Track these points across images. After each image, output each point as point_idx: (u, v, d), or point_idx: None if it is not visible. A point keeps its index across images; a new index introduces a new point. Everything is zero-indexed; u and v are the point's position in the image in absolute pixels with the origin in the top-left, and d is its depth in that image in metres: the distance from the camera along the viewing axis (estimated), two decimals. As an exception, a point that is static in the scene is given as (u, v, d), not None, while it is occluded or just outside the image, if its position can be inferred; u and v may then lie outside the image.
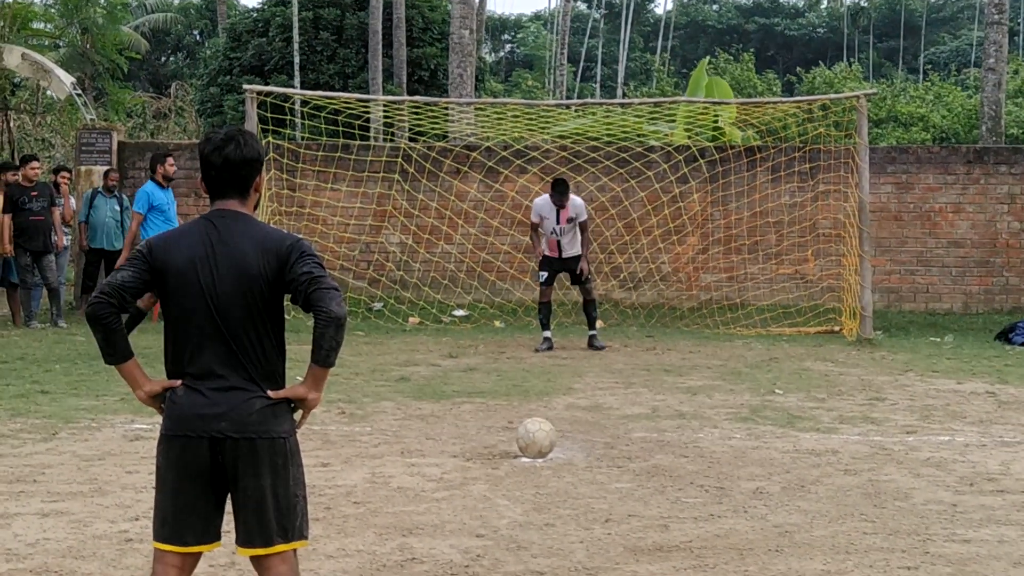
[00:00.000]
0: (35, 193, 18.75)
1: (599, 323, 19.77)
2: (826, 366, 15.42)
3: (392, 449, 9.96)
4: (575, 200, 17.18)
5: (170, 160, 18.34)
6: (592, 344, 17.30)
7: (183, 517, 5.00)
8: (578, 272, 17.15)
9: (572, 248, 17.15)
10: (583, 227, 17.17)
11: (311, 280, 4.91)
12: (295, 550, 5.09)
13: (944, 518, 7.92)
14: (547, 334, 17.29)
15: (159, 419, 5.12)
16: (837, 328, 19.26)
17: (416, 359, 15.66)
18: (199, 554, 5.09)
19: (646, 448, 10.13)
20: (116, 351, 5.09)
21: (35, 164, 19.20)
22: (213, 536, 5.07)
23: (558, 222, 16.98)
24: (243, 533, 5.02)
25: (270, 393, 5.02)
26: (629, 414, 11.75)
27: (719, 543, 7.27)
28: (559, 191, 16.98)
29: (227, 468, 4.97)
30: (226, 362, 4.98)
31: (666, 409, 12.05)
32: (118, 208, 20.00)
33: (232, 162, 5.06)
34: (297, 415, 5.15)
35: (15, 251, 18.61)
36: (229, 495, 5.06)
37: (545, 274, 17.22)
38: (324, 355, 4.94)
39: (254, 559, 5.07)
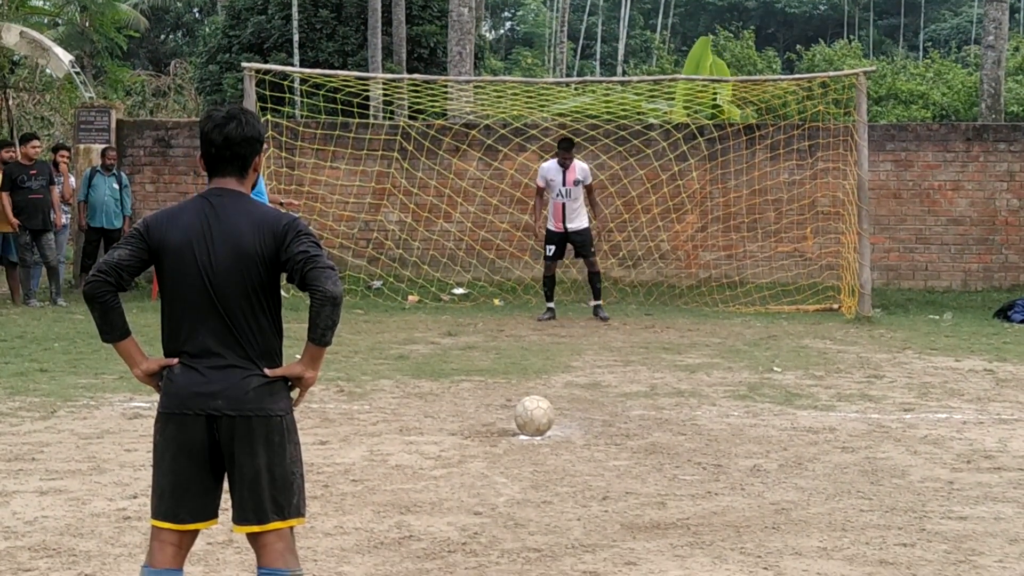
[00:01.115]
0: (34, 172, 18.75)
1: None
2: (824, 344, 15.43)
3: (390, 427, 9.97)
4: (581, 163, 17.55)
5: (33, 143, 18.96)
6: (596, 314, 17.78)
7: (180, 495, 5.01)
8: (592, 232, 17.71)
9: (577, 219, 17.35)
10: (589, 190, 17.44)
11: (307, 259, 4.92)
12: (291, 528, 5.09)
13: (941, 495, 7.94)
14: (551, 305, 17.72)
15: (157, 397, 5.14)
16: (836, 306, 19.26)
17: (415, 337, 15.67)
18: (196, 532, 5.11)
19: (644, 426, 10.14)
20: (114, 329, 5.10)
21: (35, 143, 19.19)
22: (210, 514, 5.09)
23: (564, 183, 17.22)
24: (238, 510, 5.04)
25: (267, 371, 5.03)
26: (627, 392, 11.76)
27: (716, 520, 7.29)
28: (564, 147, 17.44)
29: (223, 446, 4.99)
30: (223, 340, 4.99)
31: (664, 387, 12.06)
32: (117, 186, 20.00)
33: (233, 140, 5.07)
34: (294, 393, 5.15)
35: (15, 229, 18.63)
36: (226, 474, 5.07)
37: (553, 248, 17.53)
38: (320, 334, 4.96)
39: (250, 536, 5.08)
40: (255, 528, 5.03)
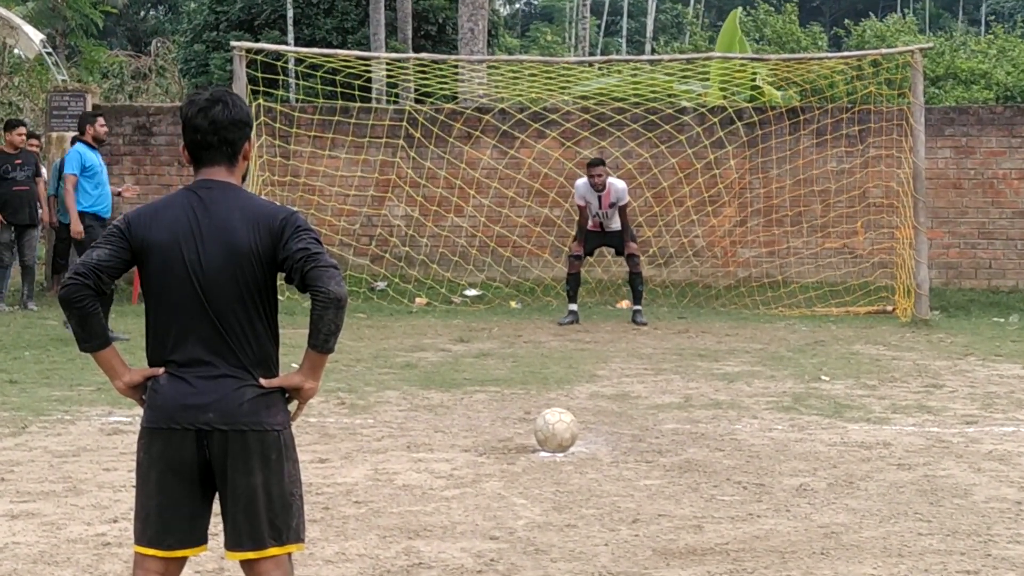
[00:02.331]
0: (19, 161, 18.86)
1: (623, 303, 19.85)
2: (877, 350, 15.41)
3: (397, 443, 9.98)
4: (616, 184, 17.99)
5: (100, 120, 18.43)
6: (635, 320, 18.01)
7: (167, 518, 5.00)
8: (628, 253, 17.99)
9: (614, 222, 17.95)
10: (623, 211, 17.75)
11: (307, 257, 4.91)
12: (290, 554, 5.08)
13: (1008, 517, 7.92)
14: (573, 307, 17.97)
15: (138, 412, 5.14)
16: (890, 308, 19.24)
17: (424, 344, 15.68)
18: (184, 559, 5.10)
19: (678, 441, 10.14)
20: (93, 337, 5.08)
21: (21, 129, 19.26)
22: (199, 539, 5.08)
23: (600, 207, 17.85)
24: (232, 535, 5.01)
25: (262, 382, 5.01)
26: (659, 403, 11.76)
27: (758, 545, 7.28)
28: (593, 165, 17.86)
29: (215, 464, 4.97)
30: (214, 348, 4.97)
31: (700, 398, 12.06)
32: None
33: (220, 124, 5.03)
34: (292, 406, 5.14)
35: None
36: (217, 494, 5.06)
37: (581, 249, 17.79)
38: (323, 340, 4.94)
39: (245, 564, 5.07)
40: (251, 555, 5.01)
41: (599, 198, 17.73)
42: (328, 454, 9.54)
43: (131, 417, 10.70)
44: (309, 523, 7.54)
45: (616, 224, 17.95)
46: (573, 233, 19.07)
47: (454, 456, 9.57)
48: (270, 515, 5.00)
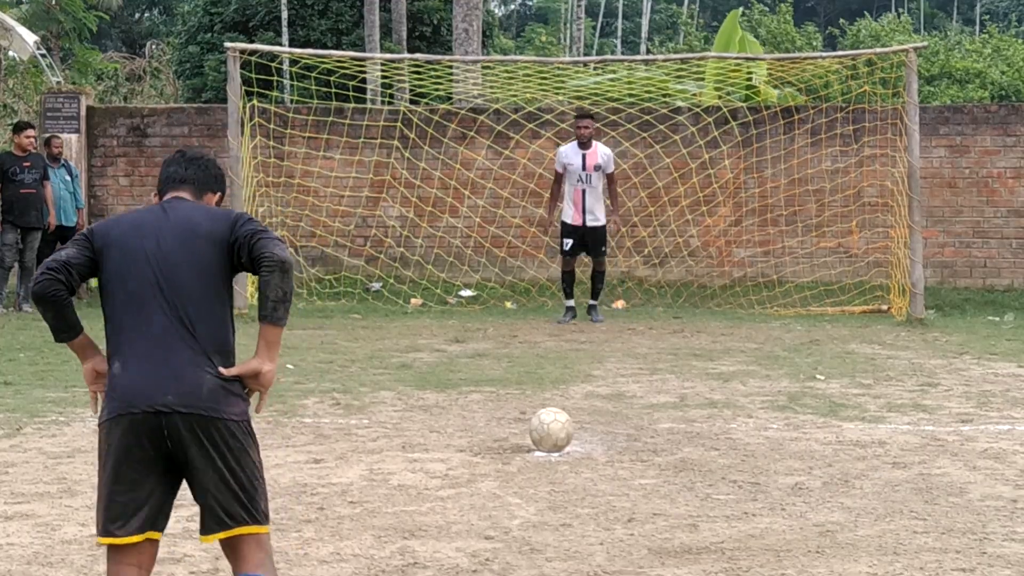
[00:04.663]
0: (27, 164, 18.90)
1: (619, 303, 19.84)
2: (873, 349, 15.42)
3: (392, 443, 9.98)
4: (603, 148, 17.71)
5: (28, 132, 18.96)
6: (591, 314, 18.01)
7: (130, 503, 5.12)
8: (612, 225, 18.10)
9: (596, 213, 17.53)
10: (611, 179, 17.57)
11: (254, 232, 5.15)
12: (268, 536, 5.26)
13: (1003, 515, 7.92)
14: (570, 303, 17.99)
15: None
16: (885, 307, 19.24)
17: (419, 344, 15.67)
18: (156, 543, 5.22)
19: (673, 440, 10.14)
20: (70, 328, 5.28)
21: (30, 132, 19.30)
22: (164, 522, 5.24)
23: (584, 167, 17.30)
24: (207, 519, 5.19)
25: (222, 371, 5.13)
26: (654, 403, 11.76)
27: (754, 544, 7.28)
28: (579, 116, 17.72)
29: (176, 450, 5.10)
30: (172, 332, 5.11)
31: (695, 397, 12.06)
32: (68, 178, 20.02)
33: (194, 161, 5.51)
34: (255, 399, 5.26)
35: (3, 227, 18.70)
36: (185, 481, 5.24)
37: (570, 242, 17.79)
38: (271, 308, 5.11)
39: (227, 547, 5.20)
40: (228, 532, 5.18)
41: (583, 157, 17.44)
42: (323, 454, 9.54)
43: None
44: (304, 524, 7.59)
45: (599, 216, 17.62)
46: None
47: (449, 456, 9.56)
48: (240, 496, 5.15)
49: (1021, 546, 7.25)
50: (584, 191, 17.49)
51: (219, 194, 5.54)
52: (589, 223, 17.58)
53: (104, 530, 5.16)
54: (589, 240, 17.76)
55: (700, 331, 17.07)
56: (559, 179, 17.74)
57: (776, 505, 8.14)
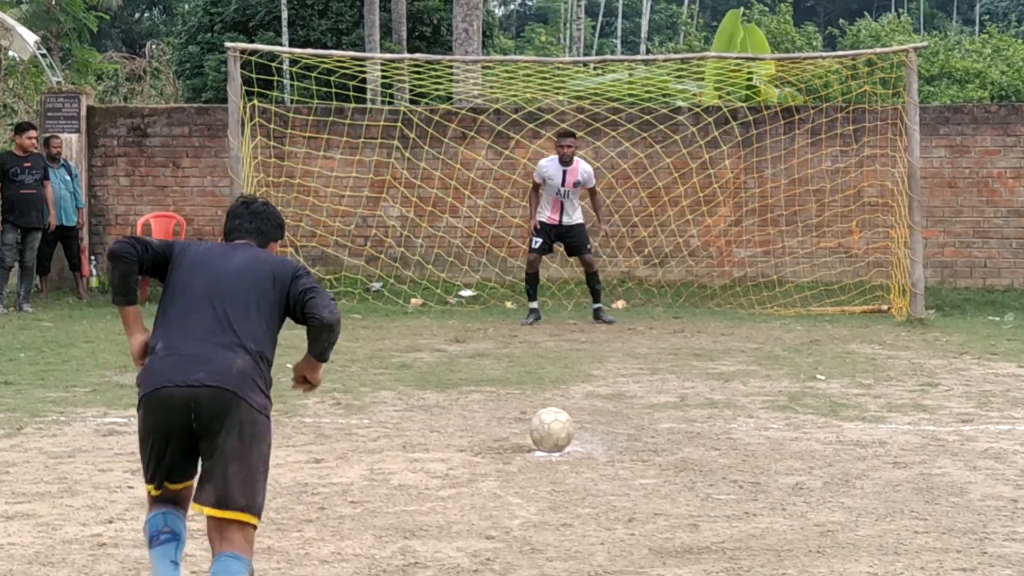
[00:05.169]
0: (28, 164, 18.93)
1: (619, 303, 19.83)
2: (873, 349, 15.41)
3: (393, 443, 9.97)
4: (584, 164, 17.66)
5: (30, 133, 19.05)
6: (599, 317, 17.92)
7: (164, 461, 5.75)
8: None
9: (572, 214, 17.49)
10: (593, 192, 17.62)
11: (307, 290, 5.86)
12: (254, 529, 5.73)
13: (1004, 515, 7.92)
14: (534, 305, 17.84)
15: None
16: (885, 307, 19.24)
17: (419, 344, 15.67)
18: (188, 494, 5.85)
19: (674, 440, 10.14)
20: (128, 292, 5.97)
21: (31, 133, 19.32)
22: (194, 472, 5.84)
23: (564, 183, 17.33)
24: (205, 490, 5.67)
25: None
26: (655, 403, 11.76)
27: (754, 544, 7.28)
28: (562, 137, 17.67)
29: (199, 424, 5.62)
30: (215, 332, 5.72)
31: (696, 397, 12.06)
32: (68, 178, 20.05)
33: (256, 213, 6.18)
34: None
35: (3, 227, 18.70)
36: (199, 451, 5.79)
37: (540, 241, 17.67)
38: (320, 351, 5.93)
39: (214, 526, 5.67)
40: (223, 513, 5.62)
41: (564, 173, 17.42)
42: (324, 454, 9.54)
43: (126, 419, 10.69)
44: (305, 523, 7.59)
45: (576, 216, 17.67)
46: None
47: (450, 456, 9.56)
48: (240, 480, 5.62)
49: (1022, 546, 7.24)
50: (562, 202, 17.61)
51: (280, 241, 6.26)
52: (566, 222, 17.58)
53: (147, 481, 5.85)
54: (569, 239, 17.74)
55: (700, 331, 17.07)
56: (536, 188, 17.78)
57: (777, 505, 8.14)
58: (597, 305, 17.98)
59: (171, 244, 6.01)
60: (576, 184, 17.48)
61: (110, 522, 7.66)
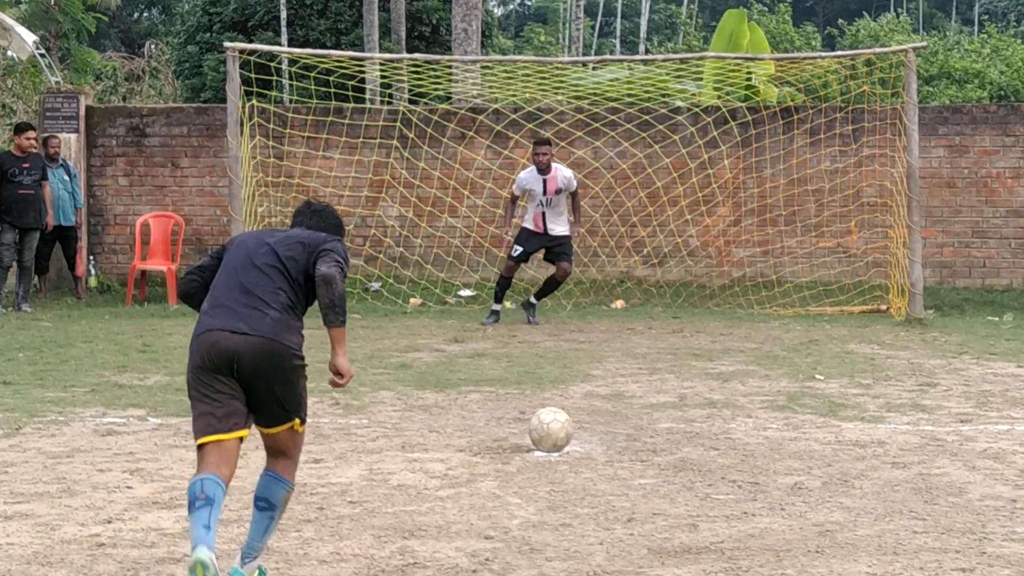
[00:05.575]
0: (27, 165, 18.94)
1: (618, 303, 19.83)
2: (872, 349, 15.41)
3: (392, 443, 9.98)
4: (563, 170, 17.60)
5: (28, 134, 19.10)
6: (525, 309, 18.00)
7: (207, 408, 6.41)
8: (574, 235, 17.93)
9: (559, 225, 17.49)
10: (574, 195, 17.62)
11: (321, 252, 6.53)
12: (303, 434, 6.76)
13: (1003, 515, 7.92)
14: (497, 307, 17.77)
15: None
16: (884, 307, 19.23)
17: (418, 344, 15.67)
18: (237, 444, 6.45)
19: (673, 440, 10.14)
20: (195, 306, 6.80)
21: (30, 133, 19.31)
22: (242, 425, 6.47)
23: (545, 192, 17.30)
24: (258, 419, 6.57)
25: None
26: (654, 403, 11.76)
27: (753, 544, 7.28)
28: (538, 143, 17.63)
29: (241, 366, 6.37)
30: (251, 294, 6.48)
31: (695, 397, 12.06)
32: (67, 178, 20.04)
33: (316, 210, 6.97)
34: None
35: (1, 227, 18.70)
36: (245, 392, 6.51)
37: (520, 249, 17.66)
38: (324, 315, 6.46)
39: (268, 443, 6.66)
40: (270, 430, 6.59)
41: (544, 182, 17.33)
42: (322, 454, 9.54)
43: (124, 419, 10.70)
44: (304, 523, 7.61)
45: (561, 228, 17.57)
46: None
47: (449, 456, 9.56)
48: (286, 408, 6.55)
49: (1020, 546, 7.25)
50: (544, 212, 17.48)
51: (337, 242, 6.77)
52: (551, 232, 17.50)
53: (198, 433, 6.42)
54: (553, 249, 17.65)
55: (699, 331, 17.07)
56: (514, 200, 17.80)
57: (776, 505, 8.14)
58: (533, 300, 17.96)
59: (224, 246, 6.84)
60: (558, 191, 17.37)
61: (109, 522, 7.66)
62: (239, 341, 6.35)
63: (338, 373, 6.67)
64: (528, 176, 17.54)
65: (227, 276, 6.58)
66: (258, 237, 6.73)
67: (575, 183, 17.67)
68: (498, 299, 17.97)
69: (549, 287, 17.93)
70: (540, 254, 18.02)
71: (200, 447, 6.39)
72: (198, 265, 6.82)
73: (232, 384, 6.40)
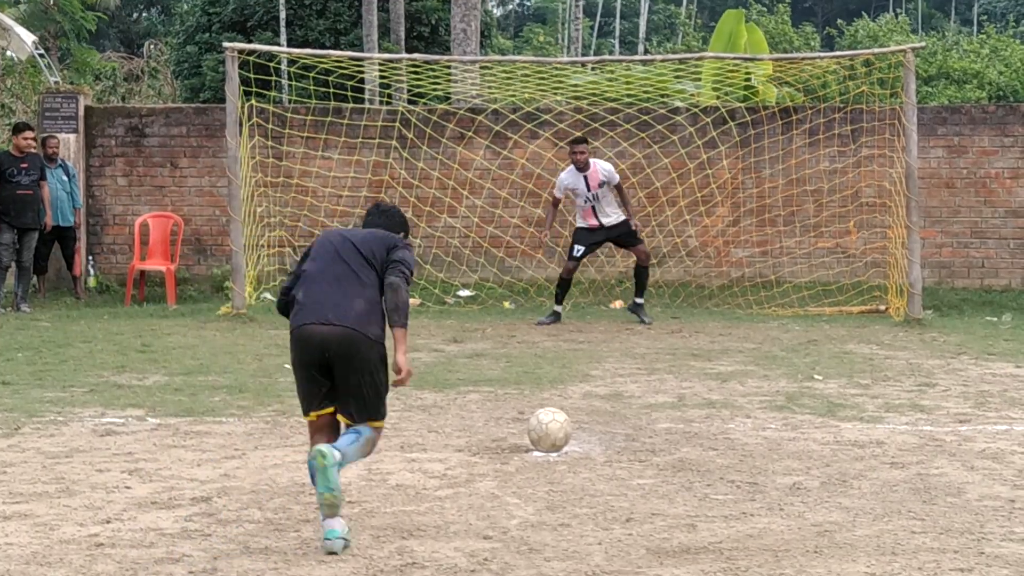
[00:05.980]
0: (25, 165, 18.94)
1: (617, 303, 19.83)
2: (870, 349, 15.41)
3: (391, 443, 9.96)
4: (602, 164, 17.70)
5: (27, 134, 19.11)
6: (636, 312, 17.97)
7: (309, 391, 7.42)
8: (633, 228, 17.78)
9: (613, 215, 17.62)
10: (620, 189, 17.65)
11: (392, 260, 7.44)
12: (381, 428, 7.55)
13: (1001, 515, 7.92)
14: (558, 308, 17.82)
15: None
16: (883, 307, 19.23)
17: (417, 344, 15.66)
18: (332, 416, 7.45)
19: (671, 440, 10.14)
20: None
21: (28, 133, 19.31)
22: (329, 404, 7.42)
23: (588, 188, 17.34)
24: (340, 409, 7.40)
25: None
26: (652, 403, 11.76)
27: (752, 544, 7.28)
28: (574, 143, 17.73)
29: (330, 353, 7.22)
30: (337, 286, 7.34)
31: (693, 397, 12.06)
32: (65, 178, 20.04)
33: (384, 209, 8.00)
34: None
35: None
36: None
37: (582, 249, 17.66)
38: (388, 316, 7.34)
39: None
40: (350, 423, 7.40)
41: (585, 179, 17.43)
42: (321, 454, 9.51)
43: (123, 419, 10.70)
44: (303, 523, 7.62)
45: (614, 215, 17.65)
46: (565, 233, 19.19)
47: (448, 456, 9.56)
48: (365, 403, 7.34)
49: (1019, 546, 7.25)
50: (593, 207, 17.61)
51: (403, 235, 7.79)
52: (606, 223, 17.60)
53: (304, 411, 7.49)
54: (616, 237, 17.87)
55: (698, 331, 17.07)
56: (556, 203, 17.89)
57: (774, 505, 8.14)
58: (640, 301, 18.03)
59: (310, 246, 7.64)
60: (602, 184, 17.45)
61: (107, 522, 7.65)
62: (326, 331, 7.21)
63: (397, 370, 7.29)
64: (568, 176, 17.63)
65: (317, 271, 7.42)
66: (341, 235, 7.59)
67: (617, 176, 17.73)
68: (559, 300, 18.02)
69: (641, 278, 18.02)
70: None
71: (309, 423, 7.53)
72: (287, 284, 7.60)
73: (324, 381, 7.34)
